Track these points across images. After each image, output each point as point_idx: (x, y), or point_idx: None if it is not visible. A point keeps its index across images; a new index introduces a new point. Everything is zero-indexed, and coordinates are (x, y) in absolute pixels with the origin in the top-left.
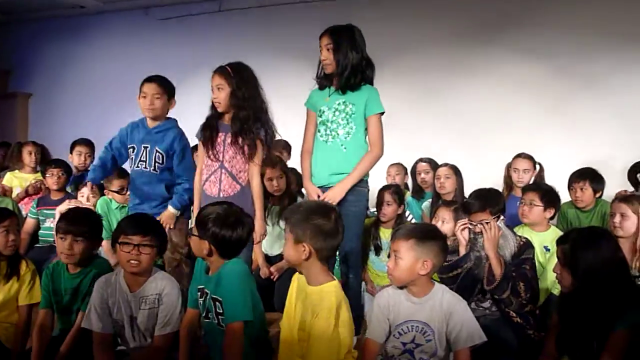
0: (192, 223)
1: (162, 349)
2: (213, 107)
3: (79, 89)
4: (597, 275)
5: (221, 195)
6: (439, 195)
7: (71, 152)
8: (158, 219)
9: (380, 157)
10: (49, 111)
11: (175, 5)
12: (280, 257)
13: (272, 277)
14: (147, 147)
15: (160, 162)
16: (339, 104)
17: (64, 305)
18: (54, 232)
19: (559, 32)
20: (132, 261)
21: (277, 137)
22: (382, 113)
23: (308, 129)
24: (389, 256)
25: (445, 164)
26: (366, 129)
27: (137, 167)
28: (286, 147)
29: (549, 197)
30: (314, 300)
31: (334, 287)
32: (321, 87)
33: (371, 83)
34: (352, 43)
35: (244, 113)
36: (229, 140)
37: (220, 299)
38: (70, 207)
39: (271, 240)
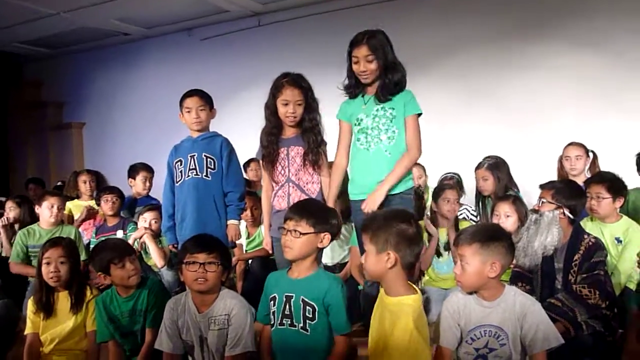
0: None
1: None
2: (275, 120)
3: (131, 114)
4: None
5: None
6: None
7: (134, 178)
8: (228, 234)
9: (418, 159)
10: (102, 138)
11: (216, 24)
12: (339, 267)
13: None
14: (195, 155)
15: (212, 167)
16: (377, 110)
17: (125, 329)
18: None
19: (608, 19)
20: (199, 279)
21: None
22: (420, 114)
23: (342, 142)
24: (445, 249)
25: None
26: None
27: (188, 176)
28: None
29: (616, 186)
30: (392, 312)
31: (412, 301)
32: (352, 96)
33: (404, 86)
34: (390, 49)
35: (318, 129)
36: (292, 153)
37: (314, 304)
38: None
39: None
